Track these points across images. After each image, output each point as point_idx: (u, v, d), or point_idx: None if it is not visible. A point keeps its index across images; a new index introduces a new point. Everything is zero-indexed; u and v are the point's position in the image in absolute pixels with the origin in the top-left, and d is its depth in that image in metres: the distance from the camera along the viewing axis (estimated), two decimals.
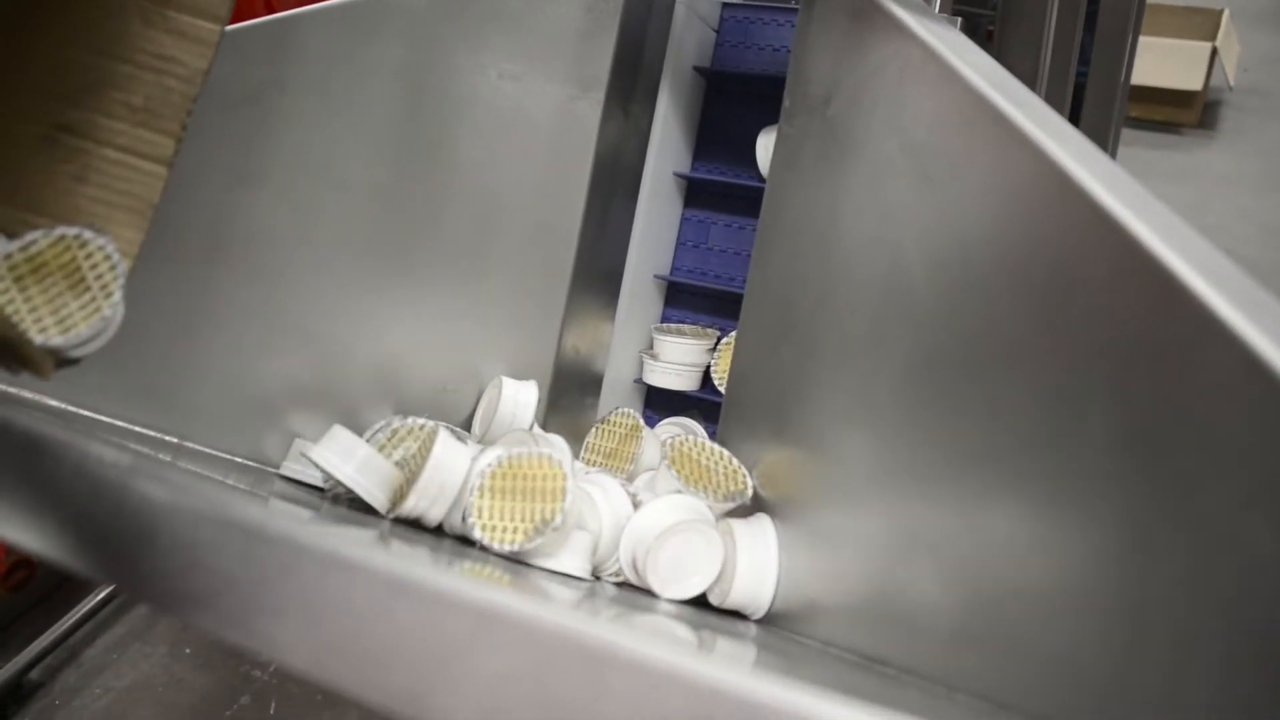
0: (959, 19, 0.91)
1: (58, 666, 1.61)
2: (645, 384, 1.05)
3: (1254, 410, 0.37)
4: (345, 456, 0.71)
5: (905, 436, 0.60)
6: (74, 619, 1.64)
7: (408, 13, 0.84)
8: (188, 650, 1.64)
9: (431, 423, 0.78)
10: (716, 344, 1.04)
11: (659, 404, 1.09)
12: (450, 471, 0.70)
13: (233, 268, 0.80)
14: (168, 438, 0.78)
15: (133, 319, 0.77)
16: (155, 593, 0.36)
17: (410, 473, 0.72)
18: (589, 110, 0.91)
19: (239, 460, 0.79)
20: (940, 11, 1.11)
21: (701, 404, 1.06)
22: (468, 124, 0.86)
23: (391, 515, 0.71)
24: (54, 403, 0.70)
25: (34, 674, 1.58)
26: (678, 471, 0.76)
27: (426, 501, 0.69)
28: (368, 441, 0.79)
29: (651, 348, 1.05)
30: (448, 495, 0.69)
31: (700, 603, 0.70)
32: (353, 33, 0.82)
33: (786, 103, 0.84)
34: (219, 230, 0.79)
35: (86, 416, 0.73)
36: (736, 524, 0.71)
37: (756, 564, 0.68)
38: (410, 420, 0.80)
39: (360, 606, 0.31)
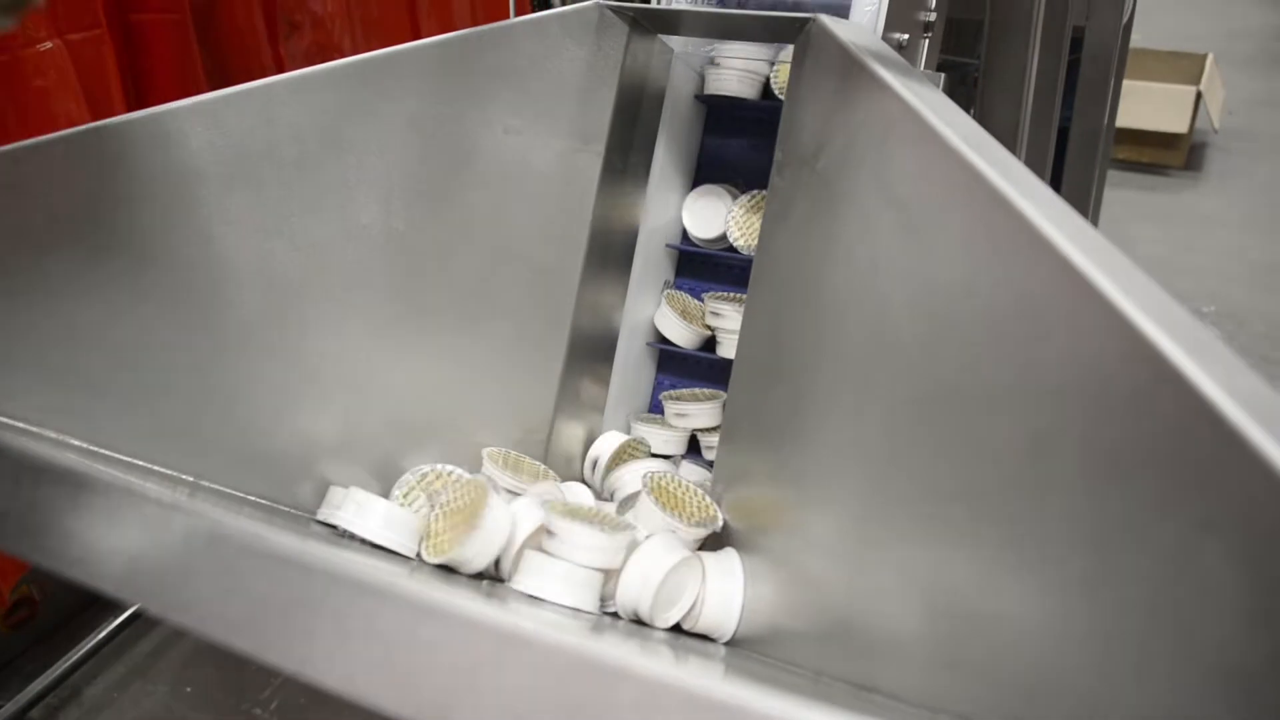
0: (941, 75, 0.95)
1: (59, 705, 1.62)
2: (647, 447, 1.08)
3: (1205, 449, 0.41)
4: (364, 514, 0.75)
5: (891, 475, 0.64)
6: (75, 657, 1.66)
7: (419, 69, 0.88)
8: (189, 689, 1.66)
9: (472, 476, 0.82)
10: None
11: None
12: (494, 538, 0.74)
13: (251, 312, 0.83)
14: (184, 476, 0.81)
15: (153, 360, 0.81)
16: (195, 618, 0.39)
17: (451, 523, 0.76)
18: (589, 162, 0.95)
19: (253, 499, 0.82)
20: (927, 65, 1.15)
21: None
22: (475, 175, 0.90)
23: (432, 561, 0.75)
24: (75, 441, 0.73)
25: (35, 712, 1.59)
26: (656, 497, 0.83)
27: (466, 559, 0.74)
28: (403, 491, 0.83)
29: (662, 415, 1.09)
30: (490, 553, 0.73)
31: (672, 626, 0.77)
32: (367, 88, 0.86)
33: (778, 155, 0.88)
34: (238, 276, 0.83)
35: (105, 455, 0.76)
36: (706, 556, 0.79)
37: (724, 593, 0.76)
38: (444, 469, 0.83)
39: (390, 629, 0.34)
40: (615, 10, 0.94)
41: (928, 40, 1.15)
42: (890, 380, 0.65)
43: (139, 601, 0.40)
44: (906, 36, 1.06)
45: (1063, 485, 0.49)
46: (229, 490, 0.82)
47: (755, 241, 1.06)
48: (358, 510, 0.75)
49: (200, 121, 0.82)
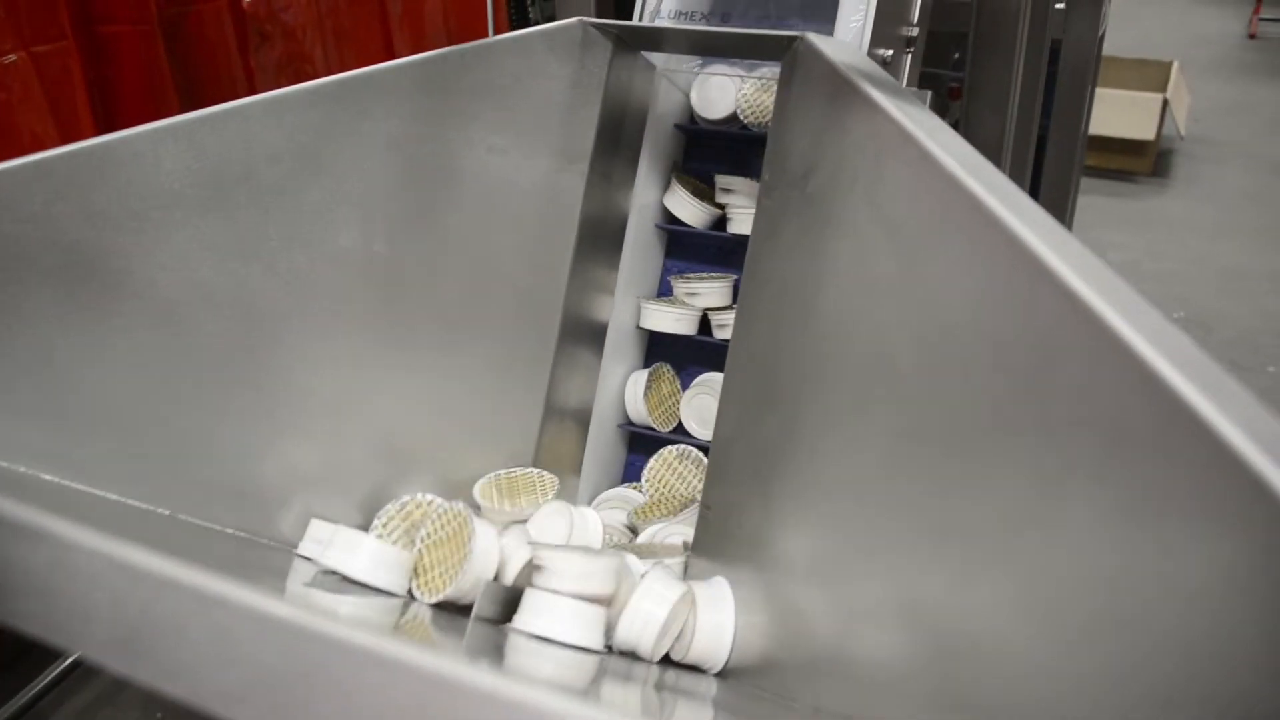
0: (928, 93, 0.94)
1: None
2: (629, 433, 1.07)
3: (1225, 493, 0.40)
4: (353, 553, 0.73)
5: (889, 508, 0.63)
6: (42, 684, 1.62)
7: (400, 89, 0.86)
8: (159, 715, 1.63)
9: (450, 504, 0.80)
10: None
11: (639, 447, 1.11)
12: (485, 564, 0.73)
13: (228, 339, 0.81)
14: (160, 510, 0.79)
15: (126, 390, 0.79)
16: (187, 687, 0.37)
17: (437, 556, 0.74)
18: (573, 181, 0.93)
19: (231, 532, 0.80)
20: (910, 80, 1.15)
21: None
22: (458, 196, 0.88)
23: (429, 602, 0.73)
24: (47, 477, 0.71)
25: None
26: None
27: (462, 592, 0.72)
28: (383, 521, 0.81)
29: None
30: (482, 584, 0.72)
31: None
32: (346, 109, 0.84)
33: (766, 176, 0.87)
34: (214, 303, 0.81)
35: (78, 490, 0.74)
36: (697, 586, 0.77)
37: (716, 624, 0.74)
38: (423, 498, 0.81)
39: (398, 700, 0.32)
40: (599, 27, 0.93)
41: (910, 55, 1.15)
42: (889, 409, 0.64)
43: (117, 668, 0.38)
44: (891, 53, 1.05)
45: (1073, 525, 0.48)
46: (206, 524, 0.80)
47: (765, 119, 1.06)
48: (347, 549, 0.73)
49: (175, 143, 0.80)
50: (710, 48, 1.01)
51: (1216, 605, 0.39)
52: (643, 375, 1.06)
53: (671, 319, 1.05)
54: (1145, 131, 4.12)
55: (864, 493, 0.65)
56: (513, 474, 0.90)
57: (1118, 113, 4.02)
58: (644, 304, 1.07)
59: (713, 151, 1.11)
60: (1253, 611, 0.38)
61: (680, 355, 1.11)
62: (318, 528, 0.80)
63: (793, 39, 0.88)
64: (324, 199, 0.84)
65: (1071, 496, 0.49)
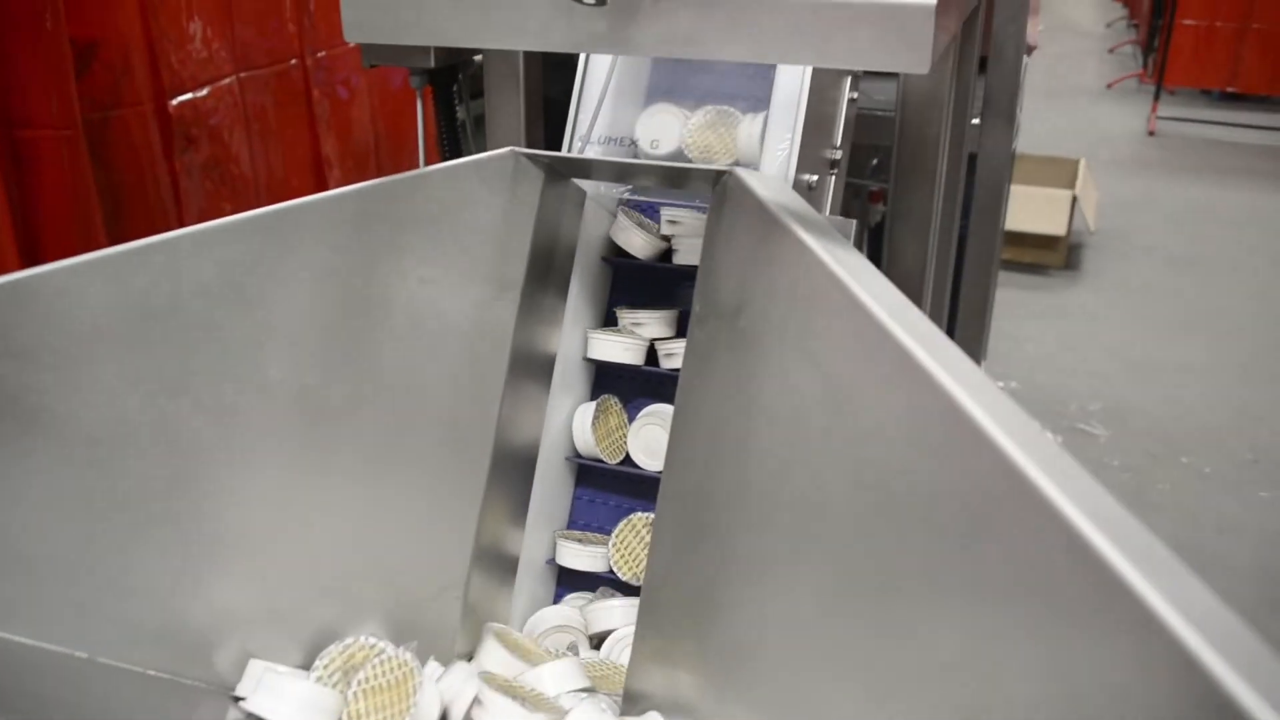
0: (853, 222, 0.97)
1: None
2: (558, 565, 1.06)
3: (1153, 668, 0.40)
4: (282, 699, 0.72)
5: (825, 656, 0.63)
6: None
7: (331, 221, 0.86)
8: None
9: (397, 651, 0.78)
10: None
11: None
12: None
13: (152, 476, 0.79)
14: (77, 653, 0.76)
15: (44, 530, 0.76)
16: None
17: (373, 703, 0.73)
18: (505, 310, 0.93)
19: (154, 674, 0.77)
20: (834, 201, 1.18)
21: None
22: (388, 326, 0.88)
23: None
24: None
25: None
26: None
27: None
28: (324, 663, 0.80)
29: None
30: None
31: None
32: (276, 240, 0.84)
33: (697, 307, 0.88)
34: (139, 440, 0.79)
35: None
36: None
37: None
38: (367, 640, 0.80)
39: None
40: (530, 157, 0.94)
41: (834, 176, 1.18)
42: (824, 555, 0.64)
43: None
44: (815, 178, 1.08)
45: (1005, 688, 0.49)
46: (128, 666, 0.77)
47: (709, 154, 1.07)
48: (270, 694, 0.71)
49: (100, 278, 0.79)
50: (639, 178, 1.03)
51: None
52: (590, 406, 1.05)
53: (620, 348, 1.05)
54: (1057, 227, 4.27)
55: (800, 642, 0.65)
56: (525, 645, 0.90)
57: (1030, 209, 4.16)
58: (591, 334, 1.07)
59: (640, 285, 1.11)
60: None
61: (626, 389, 1.10)
62: (254, 667, 0.78)
63: (721, 173, 0.90)
64: (253, 332, 0.83)
65: (1005, 659, 0.49)
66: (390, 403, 0.88)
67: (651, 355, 1.08)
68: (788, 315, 0.74)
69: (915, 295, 1.37)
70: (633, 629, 0.89)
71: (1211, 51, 6.60)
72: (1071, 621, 0.46)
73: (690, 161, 1.08)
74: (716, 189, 0.91)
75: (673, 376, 0.98)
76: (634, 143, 1.10)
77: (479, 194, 0.92)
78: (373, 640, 0.80)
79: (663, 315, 1.06)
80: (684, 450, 0.85)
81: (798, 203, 0.82)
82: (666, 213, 1.08)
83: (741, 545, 0.74)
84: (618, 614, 0.99)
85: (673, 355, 1.04)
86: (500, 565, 0.99)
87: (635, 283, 1.12)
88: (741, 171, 0.87)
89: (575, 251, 1.03)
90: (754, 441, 0.74)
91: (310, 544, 0.85)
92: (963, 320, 2.09)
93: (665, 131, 1.10)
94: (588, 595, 1.05)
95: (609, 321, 1.10)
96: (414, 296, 0.89)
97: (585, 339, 1.07)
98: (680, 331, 1.06)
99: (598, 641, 0.98)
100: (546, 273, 0.98)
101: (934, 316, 1.52)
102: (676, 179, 0.99)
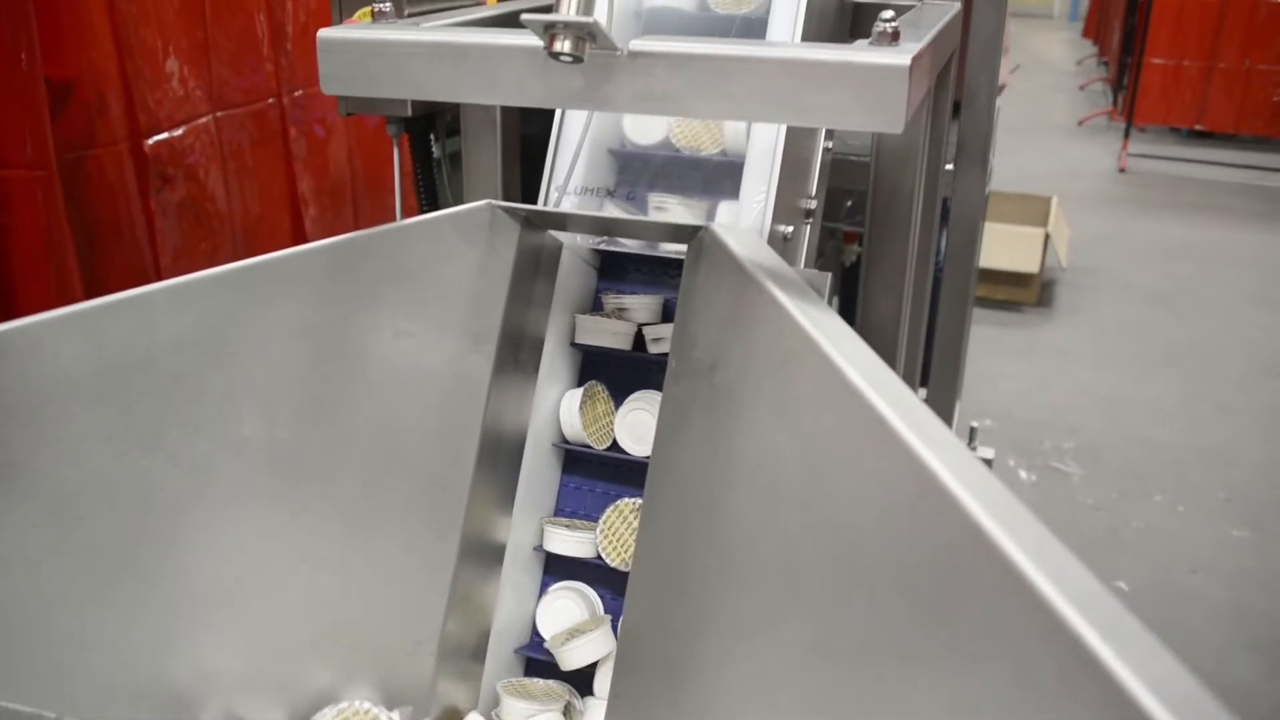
0: (828, 276, 0.97)
1: None
2: (545, 552, 1.05)
3: None
4: None
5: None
6: None
7: (306, 274, 0.86)
8: None
9: (385, 714, 0.78)
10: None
11: None
12: None
13: (124, 533, 0.79)
14: (46, 714, 0.75)
15: (11, 589, 0.75)
16: None
17: None
18: (480, 363, 0.93)
19: None
20: (809, 250, 1.18)
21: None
22: (364, 380, 0.88)
23: None
24: None
25: None
26: None
27: None
28: None
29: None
30: None
31: None
32: (251, 295, 0.84)
33: (673, 363, 0.88)
34: (111, 496, 0.78)
35: None
36: None
37: None
38: (361, 705, 0.80)
39: None
40: (507, 210, 0.94)
41: (809, 225, 1.19)
42: (799, 620, 0.64)
43: None
44: (791, 229, 1.08)
45: None
46: None
47: (696, 144, 1.08)
48: None
49: (74, 333, 0.78)
50: (615, 232, 1.03)
51: None
52: (577, 393, 1.04)
53: (607, 334, 1.05)
54: (1030, 264, 4.31)
55: (774, 705, 0.65)
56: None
57: (1003, 246, 4.20)
58: (578, 318, 1.07)
59: (626, 272, 1.11)
60: None
61: (614, 375, 1.09)
62: None
63: (697, 229, 0.90)
64: (227, 387, 0.83)
65: None
66: (366, 457, 0.88)
67: (639, 341, 1.08)
68: (763, 377, 0.74)
69: (890, 339, 1.38)
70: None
71: (1180, 90, 6.70)
72: (1042, 691, 0.47)
73: (677, 151, 1.10)
74: (692, 245, 0.92)
75: (660, 362, 0.98)
76: (622, 137, 1.13)
77: (455, 247, 0.92)
78: (366, 705, 0.79)
79: (650, 300, 1.07)
80: (660, 506, 0.85)
81: (773, 260, 0.82)
82: (655, 199, 1.09)
83: (717, 606, 0.73)
84: (590, 650, 0.98)
85: (660, 340, 1.04)
86: (474, 634, 0.97)
87: (622, 270, 1.13)
88: (716, 228, 0.87)
89: (551, 302, 1.03)
90: (730, 502, 0.74)
91: (287, 600, 0.84)
92: (938, 361, 2.10)
93: (652, 122, 1.11)
94: (571, 585, 1.04)
95: (584, 371, 1.10)
96: (390, 350, 0.89)
97: (573, 324, 1.07)
98: (667, 317, 1.07)
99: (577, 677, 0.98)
100: (523, 323, 0.98)
101: (909, 359, 1.53)
102: (652, 233, 1.00)
